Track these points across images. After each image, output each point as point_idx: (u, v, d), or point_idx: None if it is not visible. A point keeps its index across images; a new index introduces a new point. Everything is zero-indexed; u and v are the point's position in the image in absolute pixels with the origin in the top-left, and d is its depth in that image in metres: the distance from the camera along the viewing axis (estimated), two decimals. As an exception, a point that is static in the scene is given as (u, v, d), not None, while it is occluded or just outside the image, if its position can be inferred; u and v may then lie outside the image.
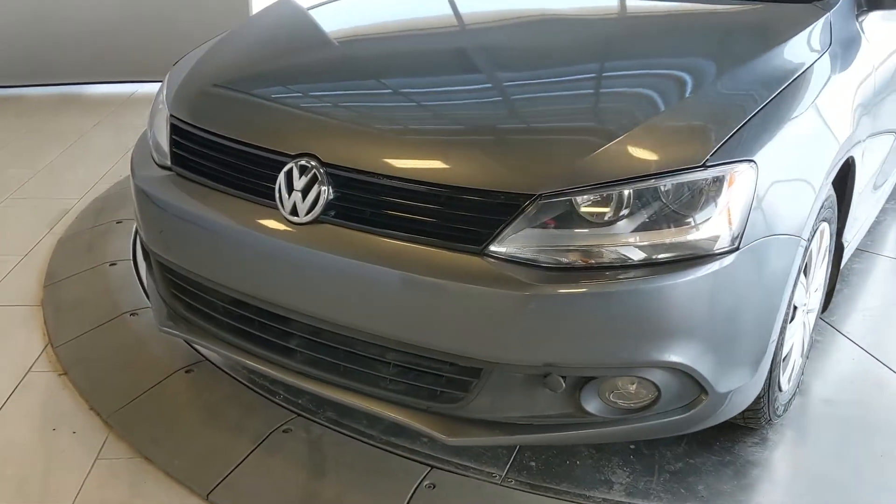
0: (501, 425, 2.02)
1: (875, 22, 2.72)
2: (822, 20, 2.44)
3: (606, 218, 1.87)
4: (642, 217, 1.86)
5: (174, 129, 2.36)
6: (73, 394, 2.67)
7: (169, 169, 2.36)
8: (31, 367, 2.80)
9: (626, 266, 1.86)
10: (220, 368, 2.70)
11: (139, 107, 5.55)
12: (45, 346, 2.92)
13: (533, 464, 2.29)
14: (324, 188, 2.01)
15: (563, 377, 1.92)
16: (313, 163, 2.03)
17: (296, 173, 2.04)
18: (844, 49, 2.48)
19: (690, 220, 1.87)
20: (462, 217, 1.91)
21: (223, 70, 2.52)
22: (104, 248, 3.50)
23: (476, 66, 2.41)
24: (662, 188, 1.86)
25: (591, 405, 1.96)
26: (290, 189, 2.04)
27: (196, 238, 2.24)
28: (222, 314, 2.32)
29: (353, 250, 1.97)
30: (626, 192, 1.86)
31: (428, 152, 2.00)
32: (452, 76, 2.39)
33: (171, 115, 2.38)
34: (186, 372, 2.70)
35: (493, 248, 1.88)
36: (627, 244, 1.86)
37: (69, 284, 3.27)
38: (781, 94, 2.12)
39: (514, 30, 2.68)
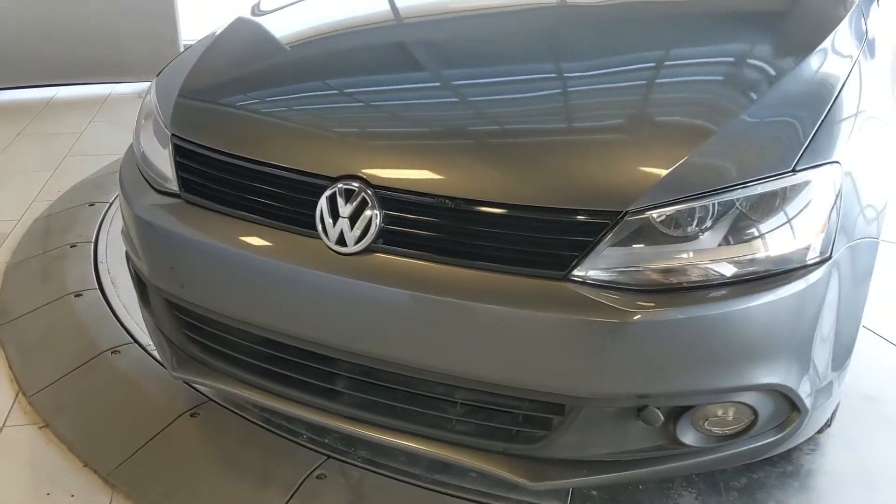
0: (588, 464, 1.85)
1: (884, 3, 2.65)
2: (855, 6, 2.35)
3: (694, 232, 1.71)
4: (732, 229, 1.72)
5: (179, 151, 2.08)
6: (61, 449, 2.37)
7: (174, 195, 2.09)
8: (4, 422, 2.48)
9: (719, 284, 1.71)
10: (229, 409, 2.45)
11: (62, 112, 5.12)
12: (17, 396, 2.59)
13: (595, 493, 2.13)
14: (375, 213, 1.79)
15: (658, 408, 1.76)
16: (359, 185, 1.81)
17: (340, 198, 1.82)
18: (875, 35, 2.40)
19: (782, 229, 1.73)
20: (540, 240, 1.72)
21: (235, 84, 2.24)
22: (63, 277, 3.16)
23: (533, 61, 2.19)
24: (753, 196, 1.72)
25: (688, 436, 1.81)
26: (335, 216, 1.82)
27: (219, 274, 1.99)
28: (249, 355, 2.08)
29: (413, 281, 1.77)
30: (715, 204, 1.71)
31: (497, 168, 1.80)
32: (507, 73, 2.15)
33: (175, 136, 2.10)
34: (191, 415, 2.43)
35: (577, 272, 1.70)
36: (719, 260, 1.71)
37: (30, 321, 2.93)
38: (844, 87, 2.00)
39: (558, 15, 2.47)
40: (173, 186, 2.09)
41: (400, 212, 1.80)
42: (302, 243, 1.87)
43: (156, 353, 2.68)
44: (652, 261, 1.70)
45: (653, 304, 1.67)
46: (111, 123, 4.92)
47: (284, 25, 2.63)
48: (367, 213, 1.79)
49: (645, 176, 1.73)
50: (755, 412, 1.82)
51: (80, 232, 3.49)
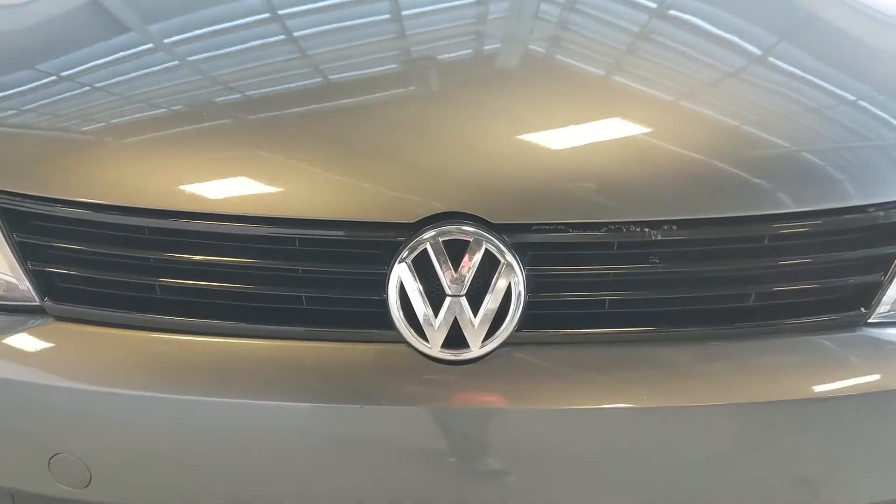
0: None
1: None
2: None
3: None
4: None
5: (18, 224, 1.03)
6: None
7: (21, 310, 1.04)
8: None
9: None
10: None
11: None
12: None
13: None
14: (514, 278, 0.94)
15: None
16: (473, 229, 0.95)
17: (437, 260, 0.94)
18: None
19: None
20: (820, 267, 1.01)
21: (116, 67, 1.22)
22: None
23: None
24: None
25: None
26: (433, 297, 0.94)
27: (178, 445, 1.03)
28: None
29: (601, 388, 0.97)
30: None
31: (728, 168, 1.02)
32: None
33: (16, 198, 1.03)
34: None
35: (881, 308, 1.02)
36: None
37: None
38: None
39: None
40: (19, 294, 1.04)
41: (557, 265, 0.97)
42: (361, 357, 0.97)
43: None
44: None
45: None
46: None
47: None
48: (502, 280, 0.94)
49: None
50: None
51: None
